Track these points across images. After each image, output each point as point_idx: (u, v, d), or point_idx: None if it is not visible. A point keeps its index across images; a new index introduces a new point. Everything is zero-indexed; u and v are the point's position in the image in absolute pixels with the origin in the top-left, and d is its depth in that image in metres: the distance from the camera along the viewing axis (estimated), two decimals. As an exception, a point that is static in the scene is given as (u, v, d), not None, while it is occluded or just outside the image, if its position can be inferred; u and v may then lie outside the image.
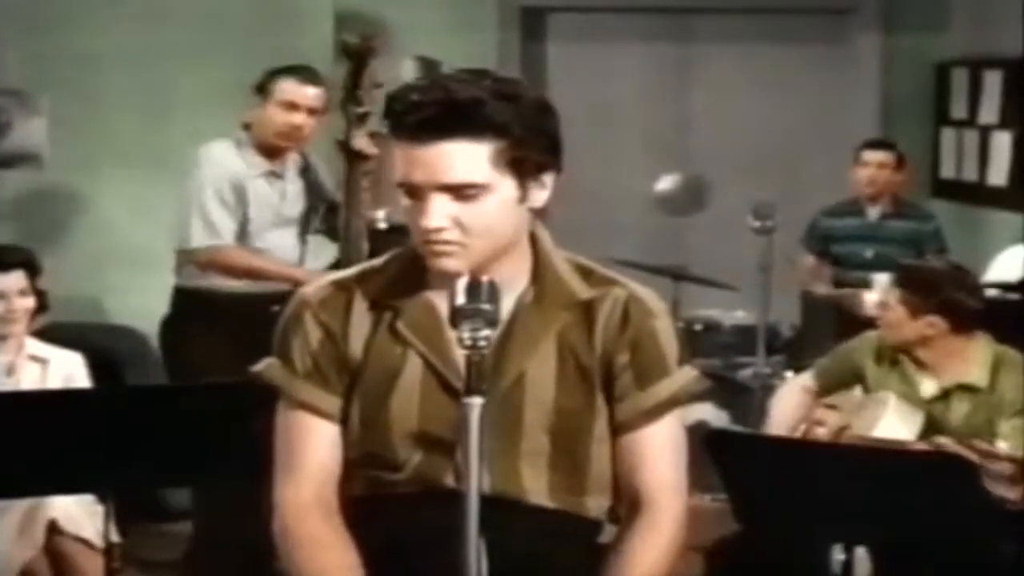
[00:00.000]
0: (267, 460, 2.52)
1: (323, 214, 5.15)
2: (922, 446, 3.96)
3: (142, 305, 5.80)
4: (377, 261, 2.54)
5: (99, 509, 3.73)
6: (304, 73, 5.02)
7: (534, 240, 2.47)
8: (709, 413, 5.82)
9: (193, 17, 6.59)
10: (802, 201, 6.68)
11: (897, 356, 4.19)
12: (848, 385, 4.25)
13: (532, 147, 2.35)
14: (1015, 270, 5.53)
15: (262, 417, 2.60)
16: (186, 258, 5.01)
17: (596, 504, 2.48)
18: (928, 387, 4.14)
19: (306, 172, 5.16)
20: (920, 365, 4.15)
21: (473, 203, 2.32)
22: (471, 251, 2.35)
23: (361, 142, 4.78)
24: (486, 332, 2.16)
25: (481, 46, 6.97)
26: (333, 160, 5.04)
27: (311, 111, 4.99)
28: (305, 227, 5.14)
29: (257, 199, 5.00)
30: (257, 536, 2.61)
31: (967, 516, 3.24)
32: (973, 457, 3.69)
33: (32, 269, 4.30)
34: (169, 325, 5.14)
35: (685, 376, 2.49)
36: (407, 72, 6.03)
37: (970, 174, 7.01)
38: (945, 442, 3.93)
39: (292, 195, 5.11)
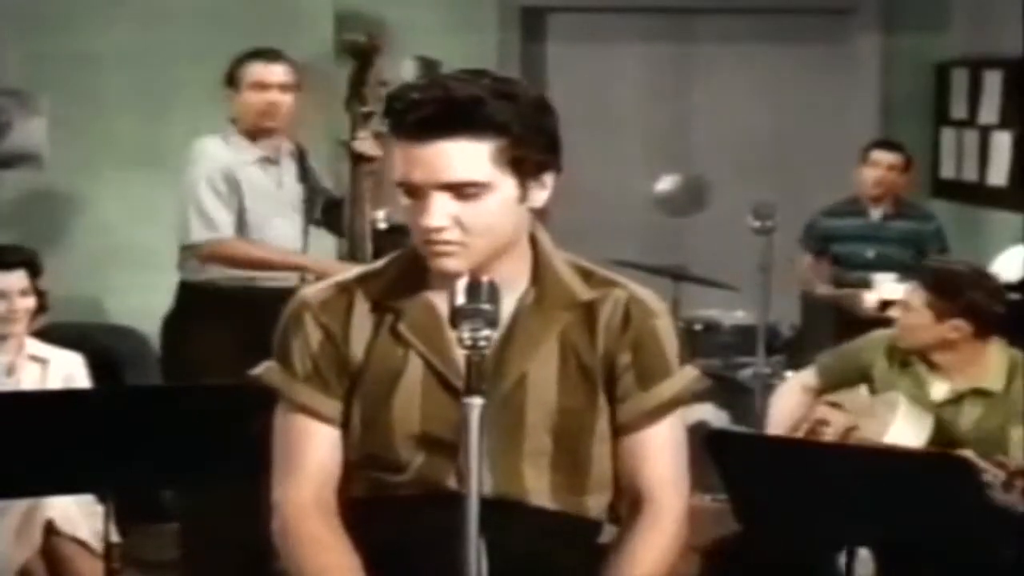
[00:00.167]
0: (267, 460, 2.51)
1: (323, 206, 5.17)
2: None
3: (142, 305, 5.81)
4: (378, 263, 2.54)
5: (98, 509, 3.73)
6: (267, 54, 5.08)
7: (534, 241, 2.47)
8: (709, 413, 5.82)
9: (193, 17, 6.60)
10: (802, 201, 6.67)
11: (908, 358, 4.12)
12: (852, 384, 4.19)
13: (532, 146, 2.35)
14: (1015, 270, 5.52)
15: (262, 418, 2.60)
16: (189, 253, 5.03)
17: (596, 503, 2.48)
18: (939, 390, 4.07)
19: (301, 159, 5.17)
20: (933, 368, 4.08)
21: (474, 202, 2.32)
22: (472, 251, 2.34)
23: (365, 144, 4.80)
24: (486, 332, 2.15)
25: (481, 46, 6.97)
26: (337, 161, 5.04)
27: (283, 87, 5.04)
28: (307, 216, 5.16)
29: (252, 188, 5.00)
30: (255, 536, 2.60)
31: (967, 517, 3.23)
32: (1000, 474, 3.66)
33: (33, 269, 4.31)
34: (173, 321, 5.14)
35: (687, 376, 2.49)
36: (407, 72, 6.02)
37: (970, 174, 7.00)
38: (970, 455, 3.75)
39: (289, 183, 5.12)
